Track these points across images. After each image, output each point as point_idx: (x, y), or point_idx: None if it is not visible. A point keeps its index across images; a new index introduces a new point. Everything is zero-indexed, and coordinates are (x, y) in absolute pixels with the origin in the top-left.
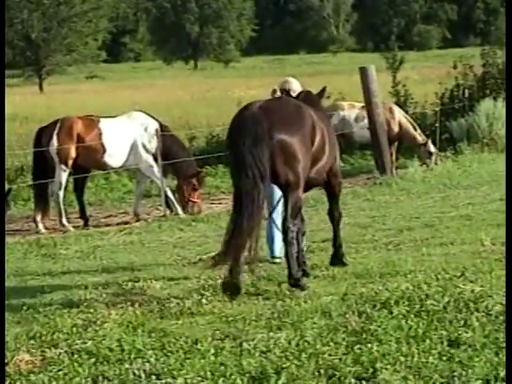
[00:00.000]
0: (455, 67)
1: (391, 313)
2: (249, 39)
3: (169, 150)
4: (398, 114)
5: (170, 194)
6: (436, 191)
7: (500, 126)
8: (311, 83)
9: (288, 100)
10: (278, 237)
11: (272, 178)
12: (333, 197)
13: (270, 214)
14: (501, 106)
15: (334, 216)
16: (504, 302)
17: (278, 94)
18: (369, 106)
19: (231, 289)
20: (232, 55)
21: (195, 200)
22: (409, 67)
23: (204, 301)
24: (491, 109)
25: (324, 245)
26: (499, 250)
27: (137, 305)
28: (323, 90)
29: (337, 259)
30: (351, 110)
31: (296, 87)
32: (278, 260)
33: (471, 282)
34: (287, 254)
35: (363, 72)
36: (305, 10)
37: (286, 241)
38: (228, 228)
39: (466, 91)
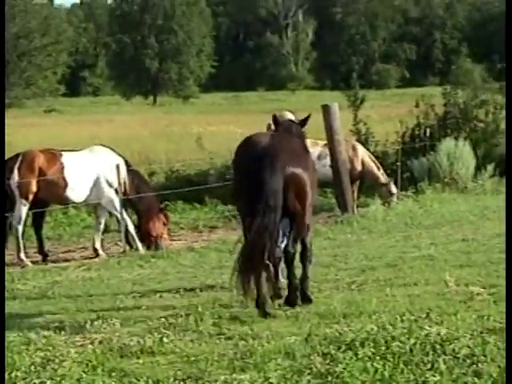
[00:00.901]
0: (417, 106)
1: (356, 354)
2: (208, 75)
3: (132, 185)
4: (362, 152)
5: (131, 230)
6: (397, 230)
7: (461, 165)
8: (268, 119)
9: (290, 136)
10: None
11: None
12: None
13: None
14: (462, 145)
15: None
16: (471, 345)
17: (273, 128)
18: (331, 143)
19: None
20: (191, 91)
21: (165, 235)
22: (368, 106)
23: (165, 339)
24: (452, 148)
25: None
26: (463, 291)
27: (96, 343)
28: (307, 118)
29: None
30: (314, 148)
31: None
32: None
33: (437, 323)
34: (289, 276)
35: (326, 110)
36: (264, 47)
37: (289, 264)
38: (240, 256)
39: (427, 130)
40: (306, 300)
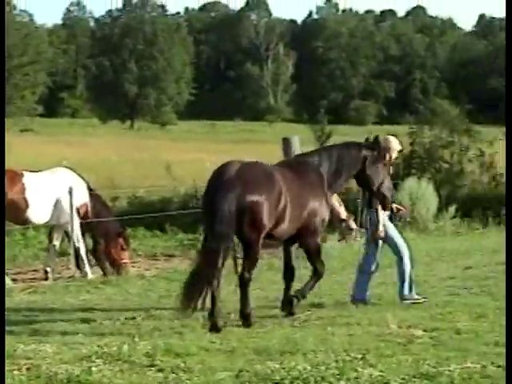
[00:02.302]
0: None
1: None
2: (186, 103)
3: (93, 208)
4: None
5: (82, 254)
6: (352, 268)
7: (422, 205)
8: (240, 150)
9: (261, 165)
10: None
11: (238, 235)
12: (308, 255)
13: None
14: (425, 185)
15: (317, 270)
16: None
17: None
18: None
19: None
20: (168, 118)
21: (125, 260)
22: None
23: (94, 369)
24: (415, 188)
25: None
26: (404, 334)
27: (24, 369)
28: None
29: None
30: None
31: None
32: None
33: (371, 365)
34: (242, 295)
35: (286, 143)
36: (244, 77)
37: (242, 288)
38: (189, 275)
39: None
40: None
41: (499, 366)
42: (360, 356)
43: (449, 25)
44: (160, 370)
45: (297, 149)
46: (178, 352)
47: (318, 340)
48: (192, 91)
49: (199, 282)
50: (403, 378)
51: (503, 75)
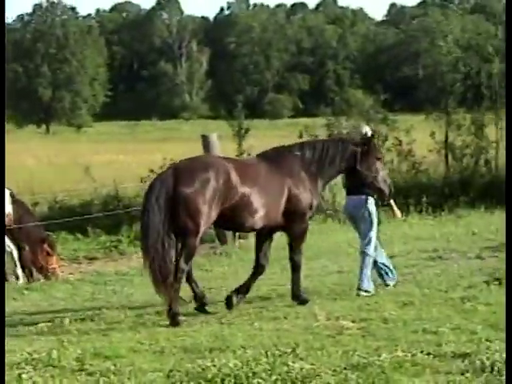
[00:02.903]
0: (301, 137)
1: None
2: (102, 104)
3: (16, 215)
4: None
5: (16, 258)
6: (275, 263)
7: (343, 196)
8: (160, 149)
9: (201, 158)
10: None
11: (174, 227)
12: (291, 241)
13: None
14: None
15: (294, 261)
16: (332, 382)
17: None
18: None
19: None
20: (84, 120)
21: (53, 266)
22: (261, 135)
23: (24, 376)
24: (335, 179)
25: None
26: (333, 326)
27: None
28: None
29: (299, 301)
30: None
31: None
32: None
33: (301, 359)
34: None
35: (205, 140)
36: (158, 76)
37: (177, 278)
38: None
39: None
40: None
41: (429, 354)
42: (290, 350)
43: (360, 15)
44: (90, 374)
45: (216, 145)
46: (107, 355)
47: (247, 336)
48: (107, 93)
49: (156, 278)
50: (334, 370)
51: (416, 62)
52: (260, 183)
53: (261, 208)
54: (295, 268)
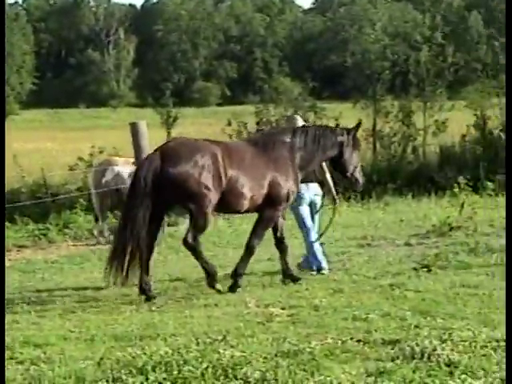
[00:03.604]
0: (229, 124)
1: (147, 379)
2: (29, 92)
3: None
4: None
5: None
6: (205, 250)
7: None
8: (88, 137)
9: (184, 142)
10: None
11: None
12: (258, 224)
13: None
14: None
15: (251, 245)
16: (263, 369)
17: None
18: (138, 162)
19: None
20: (11, 108)
21: None
22: (188, 123)
23: None
24: None
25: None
26: (262, 313)
27: None
28: (358, 125)
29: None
30: (126, 166)
31: (301, 123)
32: (324, 272)
33: (232, 346)
34: (201, 261)
35: (134, 128)
36: (85, 64)
37: (197, 254)
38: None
39: None
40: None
41: (359, 341)
42: (220, 337)
43: (287, 3)
44: (20, 363)
45: (144, 133)
46: (37, 343)
47: (178, 323)
48: (34, 80)
49: (121, 245)
50: (265, 358)
51: (344, 50)
52: (247, 167)
53: (248, 192)
54: (249, 252)
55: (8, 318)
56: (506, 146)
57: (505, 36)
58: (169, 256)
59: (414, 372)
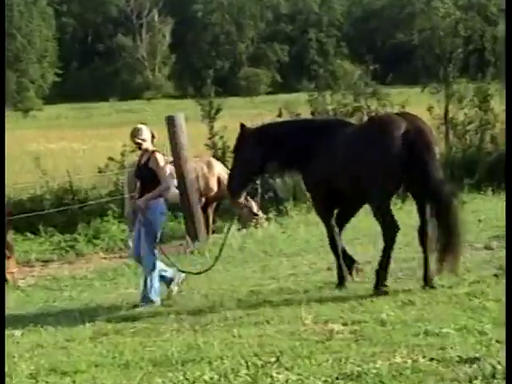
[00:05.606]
0: (280, 115)
1: None
2: (52, 84)
3: None
4: (218, 169)
5: None
6: (255, 260)
7: None
8: (120, 134)
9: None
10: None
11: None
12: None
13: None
14: None
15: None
16: None
17: None
18: (177, 160)
19: None
20: (32, 103)
21: (12, 270)
22: (234, 115)
23: None
24: None
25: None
26: (321, 330)
27: None
28: None
29: None
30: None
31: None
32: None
33: (287, 369)
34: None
35: (170, 122)
36: (115, 50)
37: None
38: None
39: None
40: None
41: (432, 359)
42: (273, 359)
43: None
44: None
45: (182, 127)
46: (65, 370)
47: (224, 345)
48: (57, 71)
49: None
50: (325, 381)
51: (410, 27)
52: None
53: None
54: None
55: (31, 341)
56: (507, 145)
57: None
58: (214, 267)
59: None
